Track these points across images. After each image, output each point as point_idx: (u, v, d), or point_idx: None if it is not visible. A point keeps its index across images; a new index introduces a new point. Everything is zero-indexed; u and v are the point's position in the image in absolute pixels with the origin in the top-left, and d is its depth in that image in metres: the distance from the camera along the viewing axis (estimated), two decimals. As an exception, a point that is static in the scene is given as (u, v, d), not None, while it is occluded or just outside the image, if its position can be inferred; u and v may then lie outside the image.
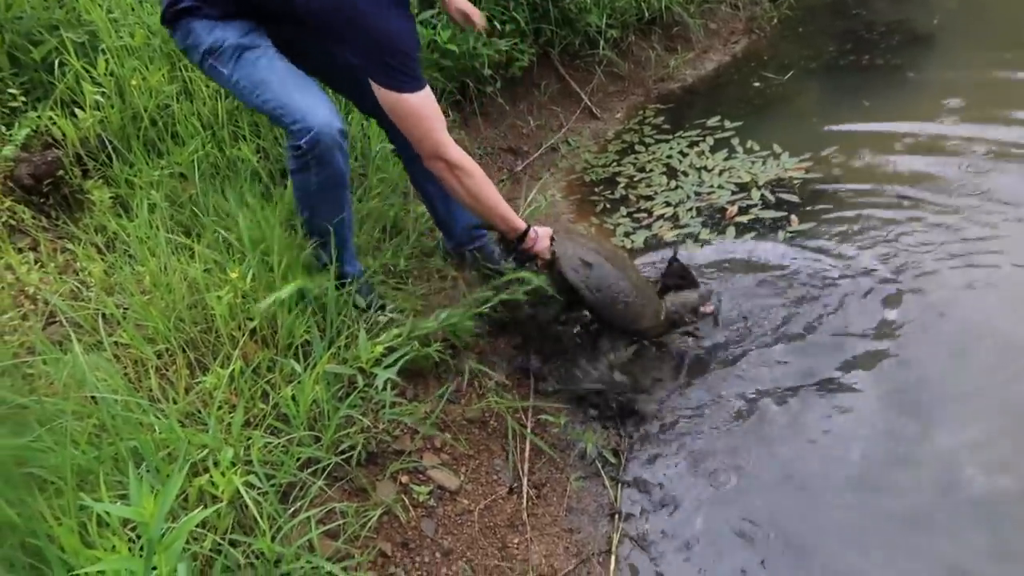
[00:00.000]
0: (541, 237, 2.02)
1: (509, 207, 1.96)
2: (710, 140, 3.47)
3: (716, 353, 2.27)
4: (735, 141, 3.43)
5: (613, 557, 1.68)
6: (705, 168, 3.27)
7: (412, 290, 2.22)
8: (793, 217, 2.86)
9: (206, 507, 1.30)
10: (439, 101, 3.18)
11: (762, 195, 3.02)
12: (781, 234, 2.77)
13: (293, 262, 1.89)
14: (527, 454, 1.89)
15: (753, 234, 2.79)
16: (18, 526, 1.19)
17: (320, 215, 1.90)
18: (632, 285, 2.08)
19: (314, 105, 1.77)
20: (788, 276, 2.55)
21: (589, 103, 3.73)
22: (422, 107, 1.76)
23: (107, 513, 1.09)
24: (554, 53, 3.72)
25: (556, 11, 3.61)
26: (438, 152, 1.81)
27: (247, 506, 1.38)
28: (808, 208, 2.88)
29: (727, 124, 3.58)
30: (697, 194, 3.09)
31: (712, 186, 3.13)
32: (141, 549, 1.17)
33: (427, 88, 1.77)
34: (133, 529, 1.24)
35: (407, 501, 1.69)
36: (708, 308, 2.20)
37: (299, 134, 1.74)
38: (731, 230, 2.83)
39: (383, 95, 1.75)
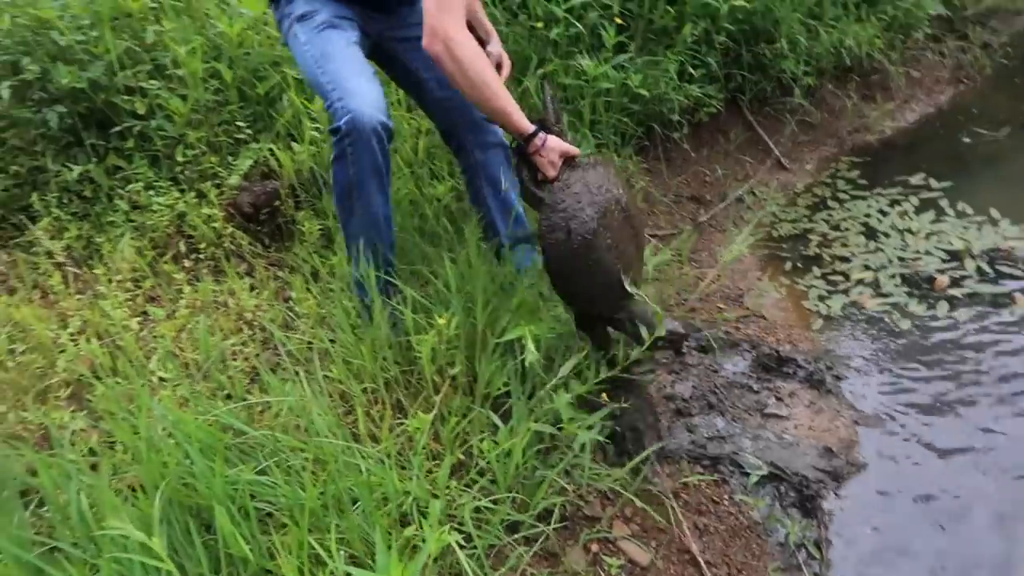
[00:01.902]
0: (550, 148, 1.76)
1: (515, 104, 1.75)
2: (914, 200, 3.20)
3: (936, 443, 2.05)
4: (943, 202, 3.14)
5: (822, 668, 1.52)
6: (909, 230, 3.01)
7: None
8: (1017, 294, 2.57)
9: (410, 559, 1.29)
10: (625, 144, 3.17)
11: (978, 266, 2.74)
12: (1004, 313, 2.49)
13: (508, 310, 1.87)
14: (716, 537, 1.77)
15: (971, 312, 2.52)
16: (250, 561, 1.23)
17: (356, 219, 1.87)
18: (608, 254, 1.68)
19: (364, 90, 1.76)
20: (1018, 363, 2.27)
21: (778, 153, 3.55)
22: None
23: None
24: (744, 100, 3.59)
25: (749, 56, 3.48)
26: (445, 27, 1.66)
27: (455, 564, 1.36)
28: (1036, 284, 2.58)
29: (933, 183, 3.29)
30: (901, 259, 2.85)
31: (918, 251, 2.88)
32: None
33: None
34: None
35: (598, 571, 1.62)
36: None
37: (339, 113, 1.74)
38: (943, 304, 2.58)
39: None
